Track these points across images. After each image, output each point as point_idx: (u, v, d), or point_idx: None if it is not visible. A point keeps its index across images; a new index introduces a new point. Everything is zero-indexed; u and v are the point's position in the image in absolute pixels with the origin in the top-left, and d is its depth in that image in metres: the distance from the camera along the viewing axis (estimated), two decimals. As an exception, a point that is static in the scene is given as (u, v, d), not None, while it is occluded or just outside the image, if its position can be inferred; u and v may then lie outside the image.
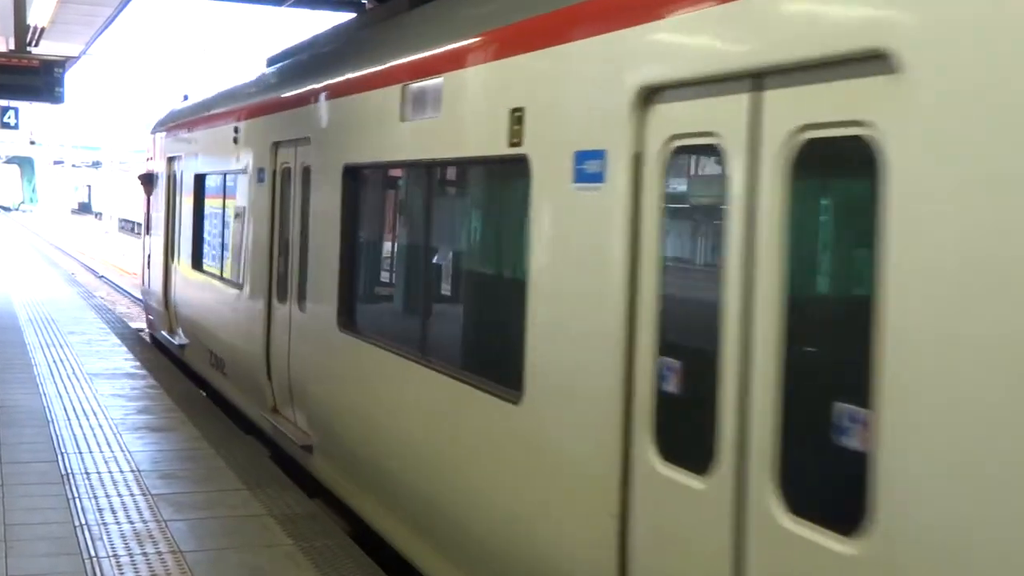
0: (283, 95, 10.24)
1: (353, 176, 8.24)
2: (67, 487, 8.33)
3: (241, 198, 11.73)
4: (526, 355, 5.37)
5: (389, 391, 7.34)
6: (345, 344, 8.16)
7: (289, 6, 17.45)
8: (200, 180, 13.84)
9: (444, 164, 6.84)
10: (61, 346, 15.53)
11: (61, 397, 11.75)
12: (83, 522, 7.50)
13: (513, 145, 5.59)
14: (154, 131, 17.71)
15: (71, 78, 23.16)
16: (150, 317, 18.09)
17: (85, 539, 7.17)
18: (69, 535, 7.24)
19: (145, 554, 6.93)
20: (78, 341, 16.11)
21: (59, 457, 9.20)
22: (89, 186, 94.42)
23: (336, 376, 8.45)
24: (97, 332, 17.29)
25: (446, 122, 6.52)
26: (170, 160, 15.87)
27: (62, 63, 22.25)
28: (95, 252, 48.80)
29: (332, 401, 8.52)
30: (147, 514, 7.74)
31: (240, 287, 11.41)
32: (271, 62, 12.66)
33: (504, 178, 6.32)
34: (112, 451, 9.49)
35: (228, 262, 12.38)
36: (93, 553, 6.91)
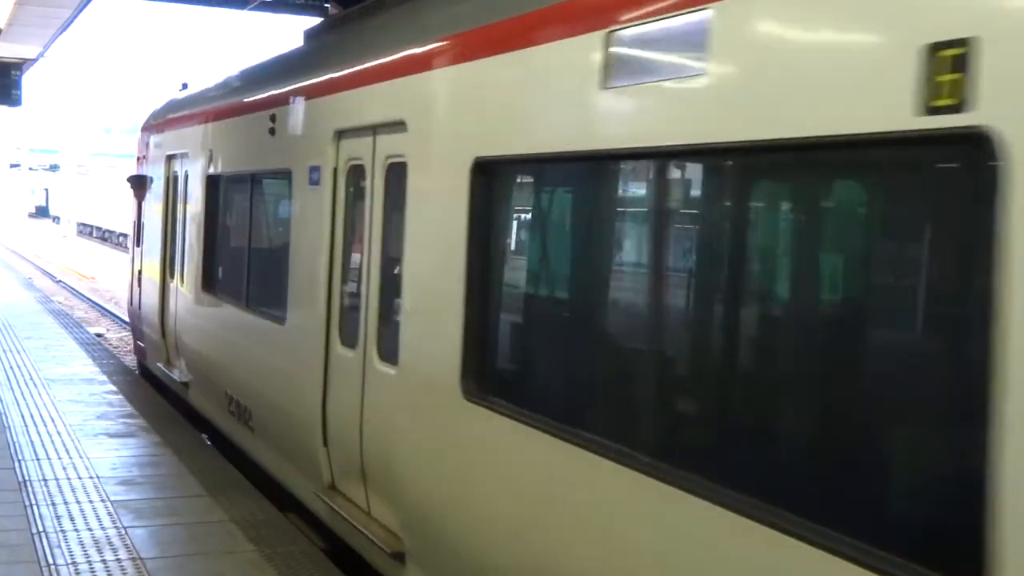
0: (353, 69, 7.61)
1: (491, 174, 5.64)
2: (24, 494, 8.21)
3: (280, 205, 9.38)
4: (997, 512, 2.88)
5: (584, 508, 4.71)
6: (480, 423, 5.55)
7: (251, 9, 17.38)
8: (214, 183, 11.15)
9: (718, 152, 4.08)
10: (18, 351, 15.33)
11: (18, 403, 11.59)
12: (41, 529, 7.40)
13: (942, 110, 3.11)
14: (147, 126, 14.95)
15: (28, 80, 22.95)
16: (140, 344, 15.04)
17: (43, 547, 7.07)
18: (27, 543, 7.14)
19: (104, 561, 6.84)
20: (35, 346, 15.91)
21: (16, 464, 9.07)
22: (47, 189, 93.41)
23: (461, 466, 5.82)
24: (55, 337, 17.09)
25: (722, 82, 3.97)
26: (169, 159, 13.13)
27: (19, 65, 22.06)
28: (53, 256, 48.26)
29: (450, 501, 5.94)
30: (106, 521, 7.65)
31: (279, 320, 8.66)
32: (311, 35, 10.27)
33: (891, 172, 3.59)
34: (70, 457, 9.37)
35: (259, 287, 9.73)
36: (51, 561, 6.82)
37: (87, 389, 12.63)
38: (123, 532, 7.42)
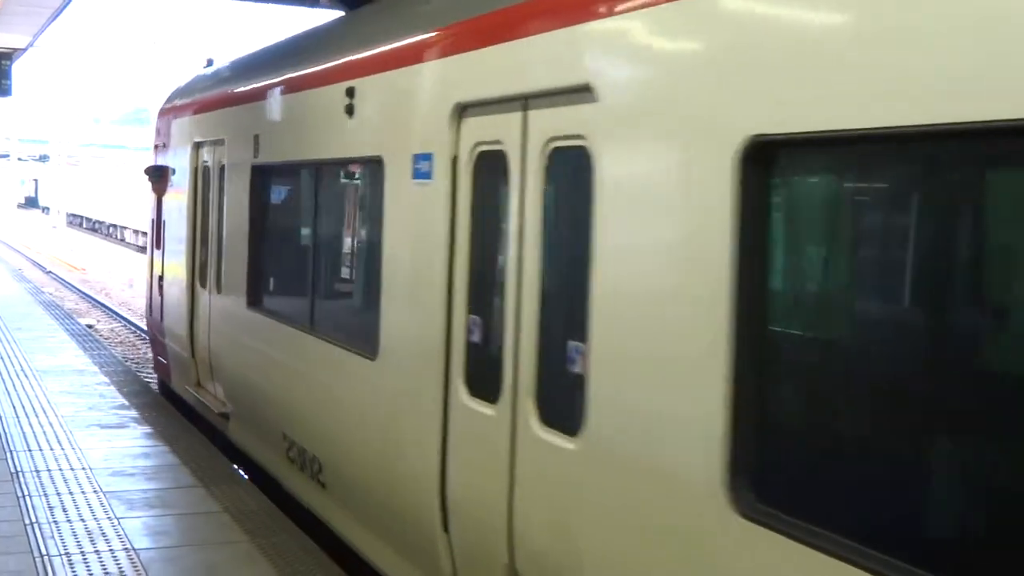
0: (487, 14, 5.58)
1: (786, 161, 3.69)
2: (17, 485, 8.20)
3: (364, 203, 7.44)
4: None
5: None
6: (770, 556, 3.49)
7: (241, -1, 17.33)
8: (261, 175, 9.18)
9: None
10: (8, 343, 15.29)
11: (9, 394, 11.56)
12: (34, 520, 7.39)
13: None
14: (168, 109, 12.85)
15: (17, 70, 22.85)
16: (161, 360, 12.96)
17: (36, 537, 7.06)
18: (19, 533, 7.13)
19: (97, 552, 6.84)
20: (26, 338, 15.86)
21: (8, 455, 9.05)
22: (36, 180, 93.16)
23: None
24: (45, 328, 17.04)
25: None
26: (198, 147, 11.16)
27: (9, 55, 21.96)
28: (43, 247, 48.14)
29: None
30: (99, 512, 7.64)
31: (366, 353, 6.72)
32: None
33: None
34: (62, 448, 9.35)
35: (332, 307, 7.96)
36: (44, 551, 6.81)
37: (78, 380, 12.60)
38: (116, 523, 7.41)
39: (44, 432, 9.93)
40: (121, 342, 20.90)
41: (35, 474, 8.52)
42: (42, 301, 21.37)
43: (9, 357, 14.00)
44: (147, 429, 10.23)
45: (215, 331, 10.24)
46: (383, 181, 6.55)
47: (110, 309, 25.60)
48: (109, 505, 7.80)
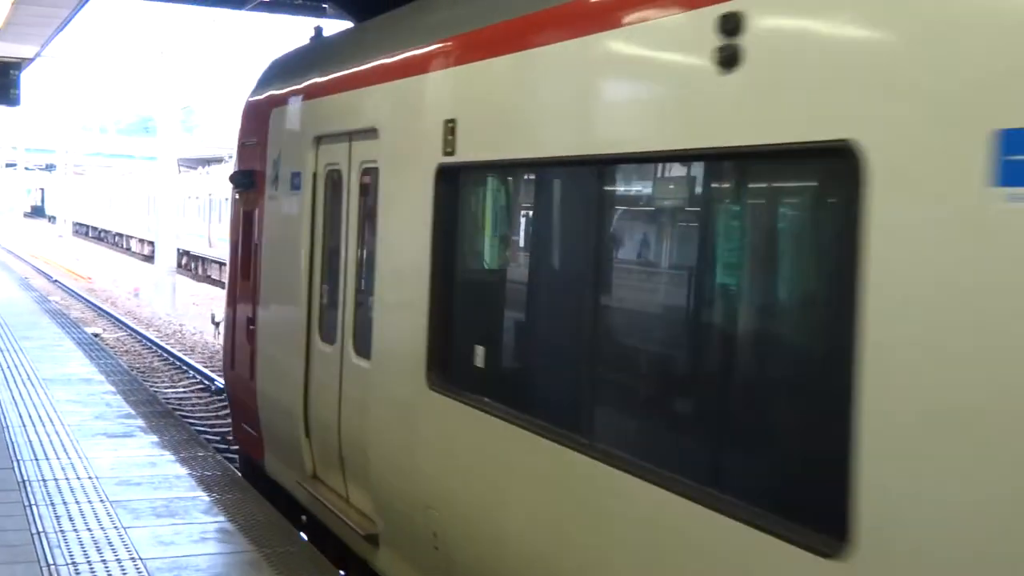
0: None
1: None
2: (23, 494, 8.22)
3: (769, 236, 4.21)
4: None
5: None
6: None
7: (249, 9, 17.40)
8: (461, 182, 6.13)
9: None
10: (15, 351, 15.33)
11: (16, 403, 11.59)
12: (40, 529, 7.40)
13: None
14: (262, 96, 9.57)
15: (25, 79, 22.94)
16: (249, 430, 9.66)
17: (42, 547, 7.07)
18: (26, 542, 7.14)
19: (104, 562, 6.85)
20: (32, 346, 15.90)
21: (15, 464, 9.07)
22: (42, 189, 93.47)
23: None
24: (52, 337, 17.09)
25: None
26: (320, 143, 8.07)
27: (18, 65, 22.03)
28: (49, 256, 48.26)
29: None
30: (105, 521, 7.65)
31: (811, 545, 3.47)
32: None
33: None
34: (69, 457, 9.37)
35: (677, 432, 4.52)
36: (51, 561, 6.82)
37: (85, 389, 12.62)
38: (122, 532, 7.42)
39: (51, 441, 9.95)
40: (127, 351, 20.95)
41: (42, 483, 8.54)
42: (48, 310, 21.44)
43: (16, 366, 14.04)
44: (153, 438, 10.25)
45: (352, 411, 7.24)
46: (856, 192, 3.38)
47: (116, 318, 25.66)
48: (116, 514, 7.82)
